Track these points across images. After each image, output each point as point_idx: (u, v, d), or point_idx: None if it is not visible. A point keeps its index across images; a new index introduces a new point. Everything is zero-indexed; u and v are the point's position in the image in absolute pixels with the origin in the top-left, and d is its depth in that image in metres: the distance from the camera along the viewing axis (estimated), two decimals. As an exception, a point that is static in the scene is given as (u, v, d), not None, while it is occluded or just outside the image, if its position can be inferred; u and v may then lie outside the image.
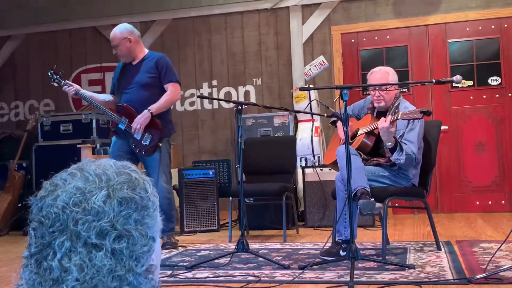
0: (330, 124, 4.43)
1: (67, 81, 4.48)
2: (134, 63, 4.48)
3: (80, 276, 0.92)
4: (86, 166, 1.01)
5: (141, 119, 4.26)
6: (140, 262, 0.98)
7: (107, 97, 4.66)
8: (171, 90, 4.38)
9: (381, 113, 3.90)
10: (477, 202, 6.35)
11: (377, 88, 3.89)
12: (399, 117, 3.51)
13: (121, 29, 4.43)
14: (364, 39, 6.71)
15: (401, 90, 6.37)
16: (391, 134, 3.55)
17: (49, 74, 4.49)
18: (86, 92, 4.53)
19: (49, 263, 0.94)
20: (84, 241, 0.94)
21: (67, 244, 0.93)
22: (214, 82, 7.09)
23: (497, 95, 6.36)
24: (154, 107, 4.29)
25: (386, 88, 3.85)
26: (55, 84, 4.53)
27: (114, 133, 4.49)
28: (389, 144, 3.60)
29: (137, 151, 4.32)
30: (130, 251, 0.96)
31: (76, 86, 4.44)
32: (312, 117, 6.27)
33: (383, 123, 3.51)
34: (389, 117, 3.51)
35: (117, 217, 0.96)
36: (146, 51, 4.57)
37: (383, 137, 3.59)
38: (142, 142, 4.28)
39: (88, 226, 0.94)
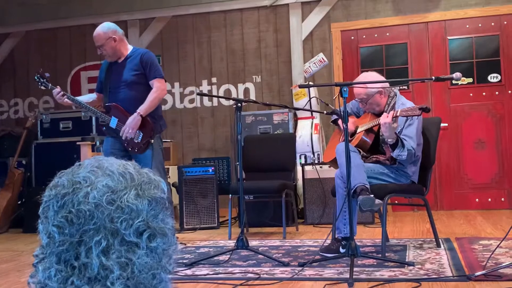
0: (331, 123, 4.43)
1: (59, 90, 4.42)
2: (119, 61, 4.45)
3: (124, 274, 0.92)
4: (103, 163, 1.01)
5: (132, 123, 4.23)
6: (170, 260, 0.99)
7: (90, 97, 4.64)
8: (157, 86, 4.34)
9: (381, 112, 3.90)
10: (477, 199, 6.35)
11: (358, 100, 4.00)
12: (398, 114, 3.51)
13: (105, 29, 4.38)
14: (364, 36, 6.70)
15: (401, 88, 6.40)
16: (393, 129, 3.54)
17: (36, 78, 4.48)
18: (79, 99, 4.52)
19: (83, 261, 0.92)
20: (121, 239, 0.93)
21: (104, 242, 0.93)
22: (214, 79, 7.08)
23: (496, 92, 6.36)
24: (143, 109, 4.26)
25: (366, 102, 3.91)
26: (43, 88, 4.52)
27: (106, 132, 4.46)
28: (391, 140, 3.59)
29: (130, 149, 4.32)
30: (162, 249, 0.97)
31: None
32: (312, 115, 6.27)
33: (385, 118, 3.50)
34: (391, 113, 3.51)
35: (148, 216, 0.96)
36: (130, 47, 4.52)
37: (385, 133, 3.59)
38: (134, 140, 4.28)
39: (126, 224, 0.94)
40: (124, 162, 1.02)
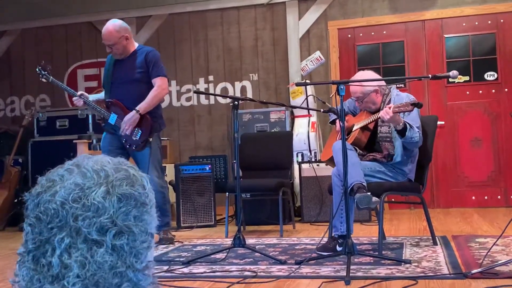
0: (330, 124, 4.42)
1: (80, 93, 4.42)
2: (124, 57, 4.44)
3: (81, 273, 0.92)
4: (83, 162, 1.00)
5: (130, 120, 4.23)
6: (140, 259, 0.98)
7: (102, 95, 4.65)
8: (158, 85, 4.34)
9: (377, 110, 3.90)
10: (473, 197, 6.37)
11: (354, 98, 4.01)
12: (391, 110, 3.51)
13: (117, 27, 4.33)
14: (361, 35, 6.70)
15: (398, 86, 6.39)
16: (398, 117, 3.52)
17: (38, 70, 4.47)
18: (90, 98, 4.49)
19: (48, 259, 0.93)
20: (84, 237, 0.93)
21: (67, 240, 0.92)
22: (211, 78, 7.07)
23: (493, 91, 6.37)
24: (142, 107, 4.26)
25: (362, 101, 3.92)
26: (44, 80, 4.50)
27: (105, 128, 4.47)
28: (399, 126, 3.56)
29: (128, 146, 4.32)
30: (130, 247, 0.96)
31: (84, 95, 4.41)
32: (309, 113, 6.27)
33: (386, 114, 3.47)
34: (389, 107, 3.48)
35: (117, 213, 0.95)
36: (136, 45, 4.52)
37: (392, 124, 3.59)
38: (133, 137, 4.28)
39: (89, 222, 0.93)
40: (106, 159, 1.02)
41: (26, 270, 0.95)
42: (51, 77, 4.46)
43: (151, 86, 4.36)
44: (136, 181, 1.01)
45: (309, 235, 4.72)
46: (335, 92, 3.29)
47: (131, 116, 4.24)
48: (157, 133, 4.42)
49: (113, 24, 4.35)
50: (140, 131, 4.28)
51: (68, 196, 0.94)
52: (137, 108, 4.25)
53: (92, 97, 4.54)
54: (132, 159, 4.45)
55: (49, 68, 4.50)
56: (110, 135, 4.43)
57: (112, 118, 4.34)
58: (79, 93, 4.41)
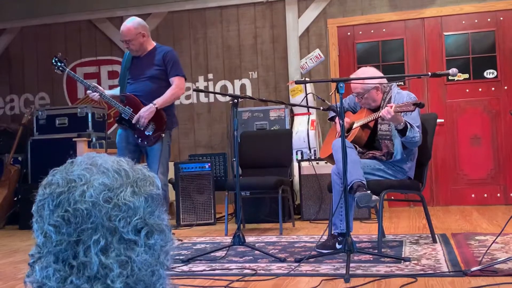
0: (328, 120, 4.43)
1: (93, 85, 4.46)
2: (141, 55, 4.54)
3: (124, 272, 0.92)
4: (97, 161, 1.00)
5: (146, 113, 4.32)
6: (168, 256, 0.99)
7: (117, 91, 4.69)
8: (177, 84, 4.45)
9: (377, 107, 3.90)
10: (473, 195, 6.37)
11: (354, 94, 3.99)
12: (392, 110, 3.50)
13: (135, 24, 4.45)
14: (360, 32, 6.70)
15: (397, 84, 6.38)
16: (399, 116, 3.50)
17: (54, 61, 4.50)
18: (106, 93, 4.52)
19: (82, 260, 0.92)
20: (119, 237, 0.93)
21: (102, 240, 0.92)
22: (210, 76, 7.07)
23: (492, 88, 6.37)
24: (160, 101, 4.36)
25: (362, 97, 3.90)
26: (59, 72, 4.54)
27: (118, 122, 4.51)
28: (401, 125, 3.55)
29: (140, 140, 4.38)
30: (160, 246, 0.97)
31: (99, 88, 4.44)
32: (308, 111, 6.26)
33: (388, 114, 3.45)
34: (390, 106, 3.46)
35: (145, 213, 0.96)
36: (154, 43, 4.63)
37: (393, 123, 3.57)
38: (146, 132, 4.36)
39: (125, 222, 0.93)
40: (118, 159, 1.02)
41: (52, 271, 0.93)
42: (67, 68, 4.49)
43: (167, 84, 4.45)
44: (153, 182, 1.02)
45: (309, 233, 4.72)
46: (335, 90, 3.28)
47: (148, 108, 4.32)
48: (169, 130, 4.51)
49: (132, 21, 4.48)
50: (153, 127, 4.35)
51: (98, 196, 0.94)
52: (154, 102, 4.34)
53: (107, 92, 4.59)
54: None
55: (65, 59, 4.54)
56: (124, 131, 4.49)
57: (126, 113, 4.38)
58: (93, 85, 4.45)
